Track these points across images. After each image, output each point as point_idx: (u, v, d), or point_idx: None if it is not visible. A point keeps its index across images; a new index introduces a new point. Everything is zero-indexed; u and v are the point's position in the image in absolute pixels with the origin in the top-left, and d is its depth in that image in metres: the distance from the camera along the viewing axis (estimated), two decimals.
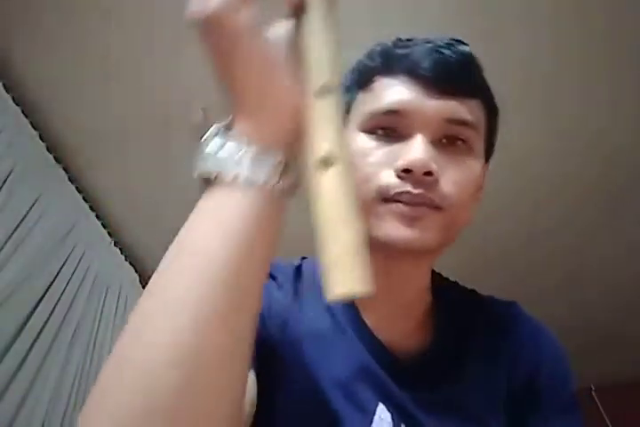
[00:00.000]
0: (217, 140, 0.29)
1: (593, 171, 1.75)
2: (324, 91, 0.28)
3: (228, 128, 0.31)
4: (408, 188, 0.41)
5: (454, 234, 0.45)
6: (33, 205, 1.53)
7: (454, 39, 0.48)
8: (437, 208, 0.42)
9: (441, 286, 0.54)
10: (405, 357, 0.47)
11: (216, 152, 0.29)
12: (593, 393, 2.66)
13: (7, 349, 1.34)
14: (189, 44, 1.55)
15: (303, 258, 0.55)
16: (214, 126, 0.31)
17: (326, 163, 0.26)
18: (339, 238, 0.25)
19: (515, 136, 1.65)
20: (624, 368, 2.56)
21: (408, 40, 0.48)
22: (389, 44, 0.49)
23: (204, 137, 0.30)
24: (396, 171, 0.42)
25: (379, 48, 0.49)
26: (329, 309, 0.48)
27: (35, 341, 1.44)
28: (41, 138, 1.60)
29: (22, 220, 1.47)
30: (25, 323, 1.42)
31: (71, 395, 1.55)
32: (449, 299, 0.53)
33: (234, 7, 0.27)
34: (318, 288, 0.49)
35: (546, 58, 1.47)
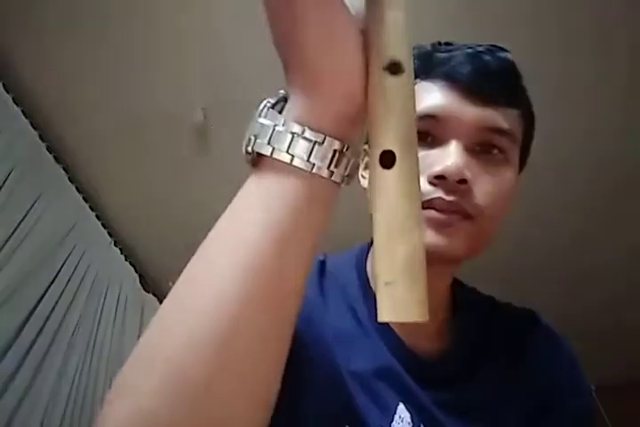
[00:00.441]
0: (273, 116, 0.26)
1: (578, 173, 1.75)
2: (395, 67, 0.24)
3: (285, 105, 0.27)
4: (440, 194, 0.41)
5: (482, 244, 0.45)
6: (33, 205, 1.53)
7: (495, 45, 0.47)
8: (468, 217, 0.42)
9: (461, 292, 0.54)
10: (427, 358, 0.47)
11: (271, 129, 0.25)
12: (593, 393, 2.66)
13: (7, 349, 1.34)
14: (192, 44, 1.55)
15: (325, 257, 0.54)
16: (270, 99, 0.27)
17: (388, 159, 0.23)
18: (396, 254, 0.23)
19: None
20: (624, 368, 2.56)
21: (447, 44, 0.48)
22: (429, 47, 0.48)
23: (260, 109, 0.26)
24: (429, 177, 0.41)
25: (417, 51, 0.48)
26: (352, 308, 0.48)
27: (35, 341, 1.44)
28: (41, 138, 1.60)
29: (22, 220, 1.47)
30: (25, 323, 1.43)
31: (70, 395, 1.55)
32: (469, 305, 0.54)
33: None
34: (342, 287, 0.49)
35: (528, 56, 1.48)
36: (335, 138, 0.26)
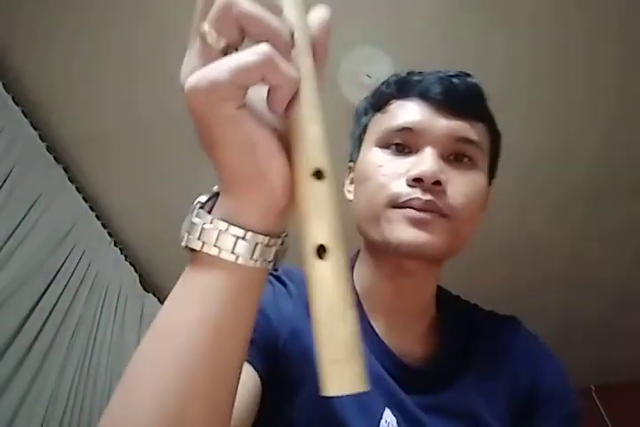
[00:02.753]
0: (202, 215, 0.29)
1: (575, 171, 1.76)
2: (319, 174, 0.27)
3: (216, 202, 0.30)
4: (418, 194, 0.45)
5: (460, 243, 0.48)
6: (33, 205, 1.53)
7: (462, 72, 0.53)
8: (444, 215, 0.45)
9: (445, 299, 0.57)
10: (413, 363, 0.50)
11: (200, 226, 0.28)
12: (593, 393, 2.66)
13: (7, 349, 1.34)
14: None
15: None
16: (202, 196, 0.30)
17: (322, 251, 0.26)
18: (336, 335, 0.25)
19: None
20: (624, 368, 2.56)
21: (420, 71, 0.54)
22: (404, 74, 0.54)
23: (193, 207, 0.29)
24: (407, 180, 0.46)
25: (393, 77, 0.54)
26: None
27: (34, 341, 1.44)
28: (41, 138, 1.60)
29: (22, 220, 1.47)
30: (25, 323, 1.43)
31: (70, 395, 1.55)
32: (453, 311, 0.56)
33: (219, 96, 0.25)
34: None
35: (526, 58, 1.48)
36: (258, 232, 0.28)
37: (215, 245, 0.28)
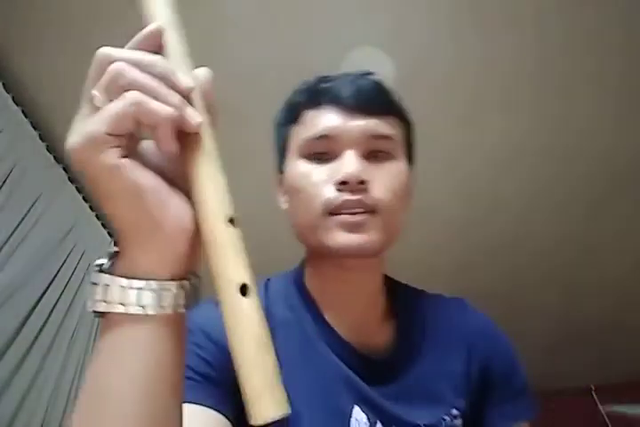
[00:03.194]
0: (100, 277, 0.29)
1: (579, 170, 1.76)
2: (233, 221, 0.29)
3: (115, 258, 0.31)
4: (347, 196, 0.48)
5: (393, 235, 0.51)
6: (33, 205, 1.53)
7: (366, 72, 0.57)
8: (373, 212, 0.49)
9: (394, 288, 0.61)
10: (372, 355, 0.53)
11: (101, 287, 0.29)
12: (593, 393, 2.66)
13: (7, 349, 1.34)
14: (192, 44, 1.55)
15: (268, 279, 0.60)
16: (100, 259, 0.31)
17: (245, 290, 0.28)
18: (267, 363, 0.27)
19: (498, 135, 1.65)
20: (624, 368, 2.56)
21: (327, 76, 0.56)
22: (312, 81, 0.57)
23: (91, 270, 0.30)
24: (334, 185, 0.49)
25: (304, 86, 0.57)
26: (299, 323, 0.53)
27: (35, 341, 1.44)
28: (41, 138, 1.60)
29: (22, 220, 1.47)
30: (25, 323, 1.43)
31: (71, 394, 1.55)
32: (403, 298, 0.60)
33: (98, 148, 0.27)
34: (287, 304, 0.55)
35: (530, 57, 1.48)
36: (162, 280, 0.29)
37: (120, 303, 0.28)
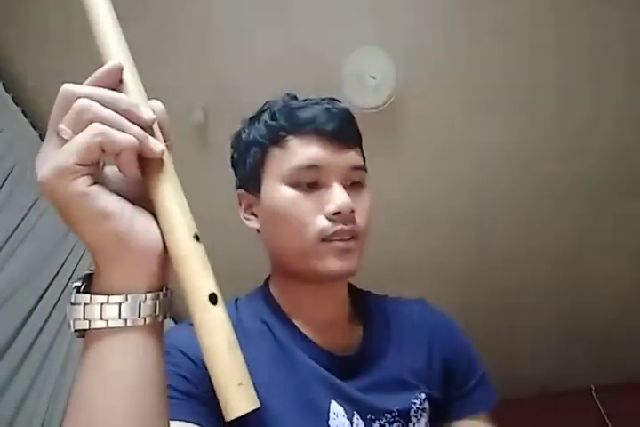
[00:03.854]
0: (81, 295, 0.31)
1: (604, 170, 1.75)
2: (197, 237, 0.32)
3: (90, 279, 0.33)
4: (340, 226, 0.53)
5: (362, 256, 0.56)
6: (33, 205, 1.53)
7: (332, 98, 0.61)
8: (356, 237, 0.54)
9: (358, 294, 0.66)
10: (343, 354, 0.57)
11: (82, 306, 0.31)
12: (593, 393, 2.66)
13: (7, 349, 1.34)
14: (192, 44, 1.55)
15: (237, 299, 0.63)
16: (76, 282, 0.32)
17: (214, 298, 0.31)
18: (238, 362, 0.30)
19: (498, 134, 1.65)
20: (624, 368, 2.56)
21: (300, 101, 0.60)
22: (283, 103, 0.59)
23: (70, 292, 0.32)
24: (327, 215, 0.53)
25: (276, 108, 0.58)
26: (272, 332, 0.56)
27: (35, 341, 1.44)
28: (41, 138, 1.60)
29: (22, 220, 1.47)
30: (25, 323, 1.43)
31: None
32: (367, 304, 0.65)
33: (68, 177, 0.29)
34: (258, 319, 0.57)
35: (525, 56, 1.48)
36: (138, 292, 0.31)
37: (102, 319, 0.30)
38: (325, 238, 0.53)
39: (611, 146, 1.69)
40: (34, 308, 1.47)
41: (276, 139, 0.57)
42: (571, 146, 1.70)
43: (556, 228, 1.96)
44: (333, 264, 0.53)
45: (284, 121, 0.57)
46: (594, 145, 1.69)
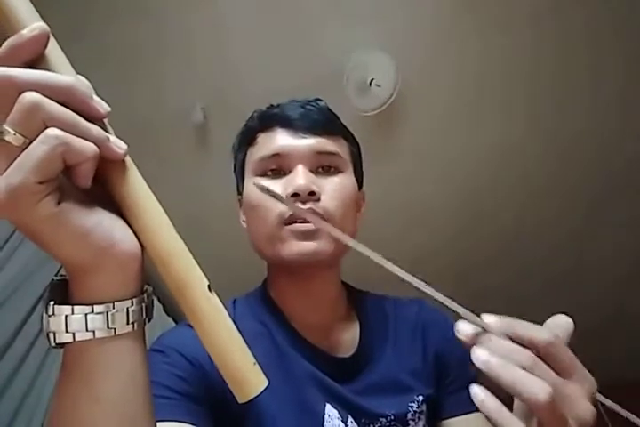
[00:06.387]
0: (56, 309, 0.28)
1: (576, 172, 1.76)
2: (179, 234, 0.31)
3: (64, 289, 0.30)
4: (298, 206, 0.51)
5: (345, 244, 0.51)
6: None
7: (315, 98, 0.62)
8: (323, 220, 0.51)
9: (354, 295, 0.65)
10: (339, 355, 0.57)
11: (63, 318, 0.28)
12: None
13: (7, 349, 1.34)
14: (192, 44, 1.55)
15: (235, 299, 0.63)
16: (51, 292, 0.30)
17: (210, 288, 0.31)
18: (243, 345, 0.31)
19: (498, 136, 1.65)
20: (624, 368, 2.56)
21: (278, 104, 0.61)
22: (264, 108, 0.62)
23: (45, 305, 0.29)
24: (287, 197, 0.51)
25: (257, 113, 0.61)
26: (269, 333, 0.56)
27: (34, 341, 1.44)
28: None
29: None
30: (25, 323, 1.43)
31: None
32: (363, 304, 0.64)
33: (31, 200, 0.24)
34: (256, 319, 0.57)
35: (526, 58, 1.48)
36: (122, 300, 0.29)
37: (88, 330, 0.28)
38: (286, 222, 0.52)
39: (611, 146, 1.69)
40: (34, 308, 1.47)
41: (250, 140, 0.60)
42: (569, 148, 1.70)
43: (555, 228, 1.96)
44: (295, 246, 0.51)
45: (256, 122, 0.60)
46: (592, 147, 1.69)
